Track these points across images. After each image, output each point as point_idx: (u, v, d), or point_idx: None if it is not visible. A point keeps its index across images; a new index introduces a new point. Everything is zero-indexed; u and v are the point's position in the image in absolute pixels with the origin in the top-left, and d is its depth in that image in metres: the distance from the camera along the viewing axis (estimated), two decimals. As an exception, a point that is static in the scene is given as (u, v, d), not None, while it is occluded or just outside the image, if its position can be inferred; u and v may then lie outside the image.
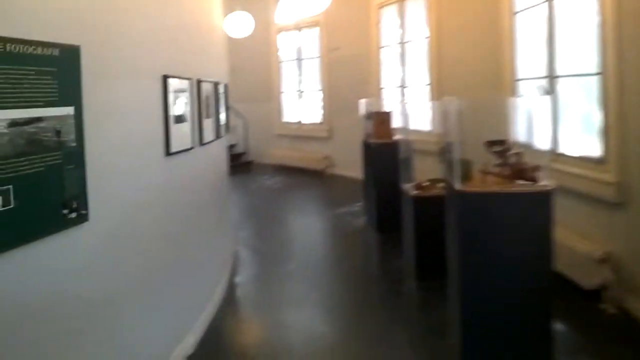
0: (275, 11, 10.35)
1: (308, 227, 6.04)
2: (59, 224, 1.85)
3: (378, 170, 5.43)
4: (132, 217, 2.33)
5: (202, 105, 3.40)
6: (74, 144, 1.91)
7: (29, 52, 1.69)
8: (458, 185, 2.61)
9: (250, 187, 8.66)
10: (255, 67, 10.84)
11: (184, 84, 3.04)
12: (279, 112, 10.58)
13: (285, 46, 10.44)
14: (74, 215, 1.91)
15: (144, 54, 2.51)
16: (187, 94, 3.07)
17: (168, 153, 2.74)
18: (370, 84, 8.39)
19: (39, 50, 1.75)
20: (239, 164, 10.23)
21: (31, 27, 1.69)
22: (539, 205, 2.57)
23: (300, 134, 10.03)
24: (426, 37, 7.02)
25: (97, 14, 2.09)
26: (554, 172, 3.10)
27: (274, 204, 7.16)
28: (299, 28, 9.98)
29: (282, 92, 10.55)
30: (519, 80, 5.18)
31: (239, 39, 11.07)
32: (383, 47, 8.14)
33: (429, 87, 7.05)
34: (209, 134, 3.60)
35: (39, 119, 1.76)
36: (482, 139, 3.36)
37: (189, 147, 3.09)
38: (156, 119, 2.65)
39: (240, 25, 9.06)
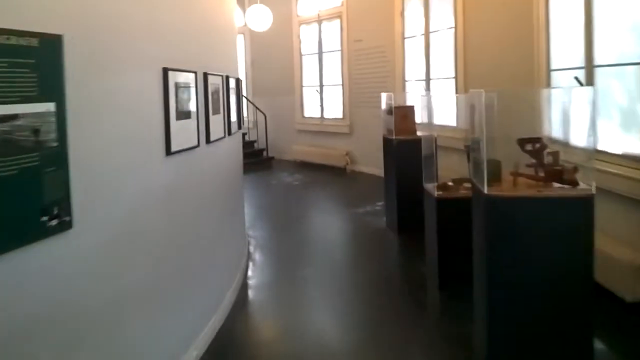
0: (297, 3, 10.15)
1: (326, 228, 5.80)
2: (38, 233, 1.66)
3: (399, 168, 5.16)
4: (127, 224, 2.14)
5: (209, 100, 3.19)
6: (55, 144, 1.72)
7: (1, 42, 1.51)
8: (486, 189, 2.33)
9: (269, 184, 8.48)
10: (276, 60, 10.65)
11: (188, 77, 2.83)
12: (300, 107, 10.37)
13: (307, 39, 10.20)
14: (54, 222, 1.73)
15: (141, 44, 2.31)
16: (192, 88, 2.86)
17: (169, 152, 2.54)
18: (393, 77, 8.09)
19: (14, 40, 1.57)
20: (260, 160, 10.07)
21: (6, 14, 1.50)
22: (579, 211, 2.28)
23: (321, 130, 9.79)
24: (451, 27, 6.69)
25: (85, 0, 1.89)
26: (592, 172, 2.80)
27: (293, 203, 6.95)
28: (319, 20, 9.72)
29: (304, 86, 10.31)
30: (553, 70, 4.83)
31: (259, 33, 10.90)
32: (407, 38, 7.82)
33: (453, 80, 6.72)
34: (217, 131, 3.40)
35: (13, 117, 1.57)
36: (513, 135, 3.07)
37: (193, 145, 2.89)
38: (155, 115, 2.45)
39: (260, 18, 8.87)
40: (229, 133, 3.87)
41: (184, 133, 2.75)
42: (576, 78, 4.10)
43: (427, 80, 7.31)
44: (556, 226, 2.30)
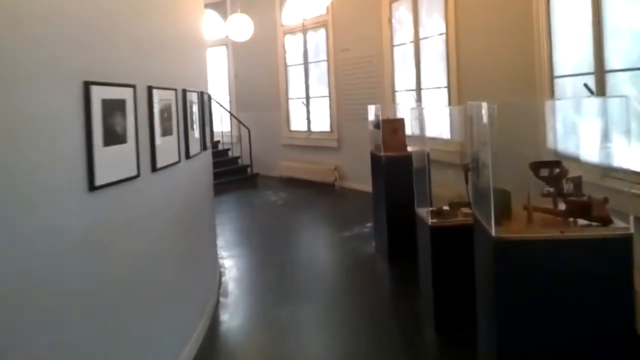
0: (281, 12, 9.70)
1: (311, 255, 5.26)
2: None
3: (389, 188, 4.65)
4: (29, 277, 1.60)
5: (156, 119, 2.66)
6: None
7: None
8: (494, 230, 1.82)
9: (252, 204, 7.94)
10: (260, 72, 10.17)
11: (124, 92, 2.30)
12: (286, 120, 9.87)
13: (292, 49, 9.74)
14: None
15: (56, 53, 1.79)
16: (128, 106, 2.33)
17: (93, 187, 2.00)
18: (382, 88, 7.61)
19: None
20: (244, 178, 9.54)
21: None
22: (614, 255, 1.77)
23: (308, 144, 9.29)
24: (442, 33, 6.23)
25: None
26: (606, 191, 2.29)
27: (276, 226, 6.40)
28: (304, 30, 9.26)
29: (290, 99, 9.83)
30: (557, 77, 4.35)
31: (243, 44, 10.43)
32: (396, 45, 7.36)
33: (446, 89, 6.25)
34: (168, 156, 2.86)
35: None
36: (516, 153, 2.58)
37: (131, 175, 2.35)
38: (72, 140, 1.92)
39: (241, 27, 8.40)
40: (188, 156, 3.33)
41: (116, 161, 2.22)
42: (586, 85, 3.62)
43: (418, 90, 6.84)
44: (585, 275, 1.78)
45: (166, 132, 2.86)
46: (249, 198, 8.36)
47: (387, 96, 7.50)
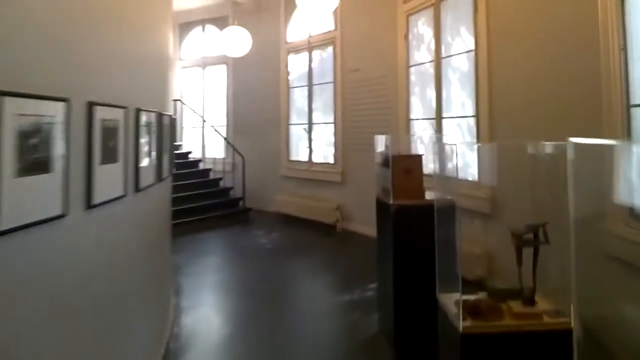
0: (286, 28, 8.69)
1: (294, 332, 3.95)
2: None
3: (399, 249, 3.41)
4: None
5: (97, 143, 1.56)
6: None
7: None
8: None
9: (236, 247, 6.70)
10: (260, 94, 9.10)
11: (49, 108, 1.32)
12: (286, 148, 8.72)
13: (296, 69, 8.66)
14: None
15: None
16: (55, 125, 1.29)
17: None
18: (396, 114, 6.44)
19: None
20: (234, 212, 8.35)
21: None
22: None
23: (309, 177, 8.10)
24: (470, 50, 5.07)
25: None
26: None
27: (260, 281, 5.16)
28: (310, 47, 8.20)
29: (291, 124, 8.70)
30: (634, 106, 3.13)
31: (243, 63, 9.41)
32: (413, 65, 6.21)
33: (474, 119, 5.05)
34: (110, 187, 1.77)
35: None
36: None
37: (54, 214, 1.32)
38: None
39: (237, 41, 7.36)
40: (137, 188, 2.23)
41: (34, 194, 1.13)
42: None
43: (439, 119, 5.65)
44: None
45: (109, 158, 1.79)
46: (235, 238, 7.14)
47: (401, 125, 6.32)
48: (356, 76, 7.21)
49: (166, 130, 3.43)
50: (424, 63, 5.98)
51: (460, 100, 5.37)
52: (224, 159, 9.04)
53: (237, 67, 9.53)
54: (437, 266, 2.50)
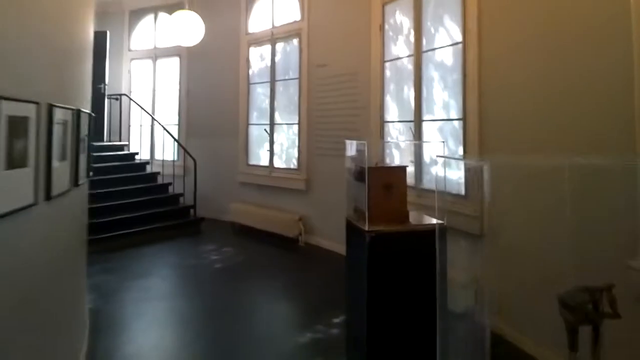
0: (247, 19, 7.80)
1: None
2: None
3: (375, 288, 2.61)
4: None
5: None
6: None
7: None
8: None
9: (183, 265, 5.76)
10: (217, 90, 8.17)
11: None
12: (244, 151, 7.81)
13: (257, 63, 7.78)
14: None
15: None
16: None
17: None
18: (368, 115, 5.66)
19: None
20: (185, 222, 7.39)
21: None
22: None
23: (270, 184, 7.22)
24: (457, 42, 4.34)
25: None
26: None
27: (203, 311, 4.26)
28: (273, 40, 7.34)
29: (251, 124, 7.81)
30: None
31: (198, 55, 8.47)
32: (389, 60, 5.45)
33: (460, 122, 4.32)
34: (15, 195, 1.40)
35: None
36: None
37: None
38: None
39: (188, 28, 6.43)
40: (49, 196, 1.59)
41: None
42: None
43: (418, 122, 4.89)
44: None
45: (15, 162, 1.65)
46: (182, 254, 6.20)
47: (374, 128, 5.54)
48: (324, 72, 6.40)
49: (83, 128, 2.76)
50: (401, 58, 5.22)
51: (444, 100, 4.63)
52: (174, 161, 8.06)
53: (192, 60, 8.58)
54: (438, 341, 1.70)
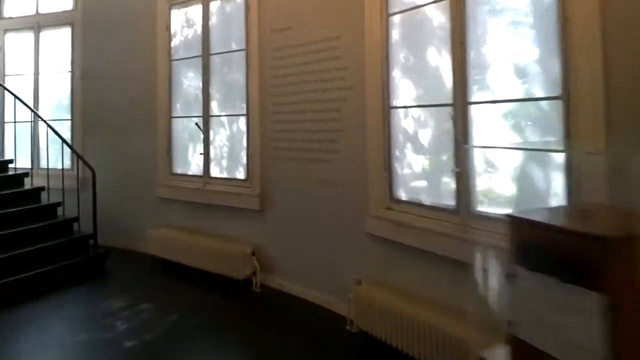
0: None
1: None
2: None
3: None
4: None
5: None
6: None
7: None
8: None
9: (72, 346, 3.49)
10: (125, 71, 5.88)
11: None
12: (166, 155, 5.60)
13: (183, 31, 5.60)
14: None
15: None
16: None
17: None
18: (359, 100, 3.76)
19: None
20: (82, 260, 5.06)
21: None
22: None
23: (205, 201, 5.09)
24: None
25: None
26: None
27: None
28: (206, -3, 5.22)
29: (175, 117, 5.61)
30: None
31: (97, 24, 6.13)
32: (398, 12, 3.57)
33: (557, 102, 2.54)
34: None
35: None
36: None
37: None
38: None
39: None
40: None
41: None
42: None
43: (461, 104, 3.05)
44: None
45: None
46: (74, 320, 3.96)
47: (372, 117, 3.65)
48: (285, 39, 4.41)
49: None
50: (424, 5, 3.36)
51: (517, 67, 2.84)
52: (63, 171, 5.64)
53: (89, 30, 6.21)
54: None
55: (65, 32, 6.42)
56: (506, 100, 2.88)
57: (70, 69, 6.35)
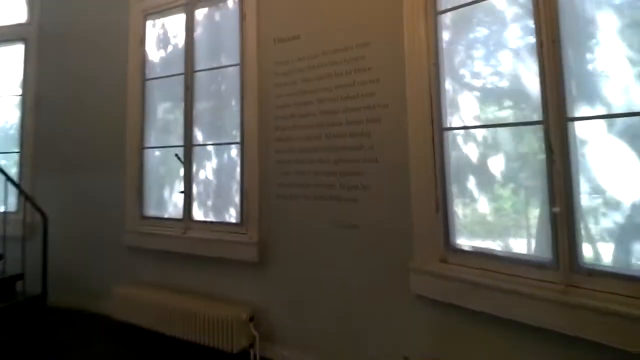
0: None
1: None
2: None
3: None
4: None
5: None
6: None
7: None
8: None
9: None
10: (87, 93, 4.93)
11: None
12: (137, 194, 4.59)
13: (161, 45, 4.71)
14: None
15: None
16: None
17: None
18: (397, 119, 2.94)
19: None
20: (27, 327, 3.93)
21: None
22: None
23: (187, 251, 4.10)
24: None
25: None
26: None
27: None
28: (188, 4, 4.38)
29: (147, 148, 4.64)
30: None
31: (56, 38, 5.15)
32: (450, 9, 2.81)
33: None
34: None
35: None
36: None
37: None
38: None
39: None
40: None
41: None
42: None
43: (558, 120, 2.25)
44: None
45: None
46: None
47: (416, 141, 2.83)
48: (291, 50, 3.59)
49: None
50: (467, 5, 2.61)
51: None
52: (6, 214, 4.53)
53: (46, 47, 5.25)
54: None
55: (17, 49, 5.43)
56: (625, 115, 2.11)
57: (20, 93, 5.33)
